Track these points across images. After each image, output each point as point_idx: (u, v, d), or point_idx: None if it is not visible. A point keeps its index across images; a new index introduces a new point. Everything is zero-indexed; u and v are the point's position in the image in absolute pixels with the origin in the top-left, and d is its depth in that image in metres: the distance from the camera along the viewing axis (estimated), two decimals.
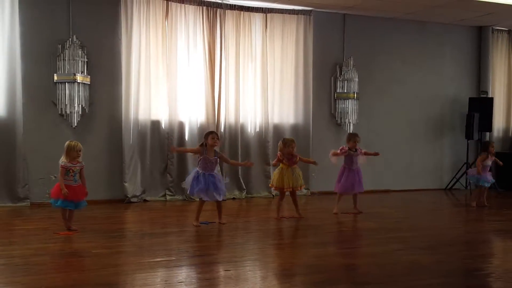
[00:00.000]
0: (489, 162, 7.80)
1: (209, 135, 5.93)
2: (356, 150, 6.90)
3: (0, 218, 6.29)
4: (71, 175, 5.34)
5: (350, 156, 6.88)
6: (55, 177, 6.59)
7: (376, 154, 7.11)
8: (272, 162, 6.86)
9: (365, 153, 7.00)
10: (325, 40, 9.09)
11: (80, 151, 5.39)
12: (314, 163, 6.93)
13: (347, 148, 6.88)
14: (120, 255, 4.58)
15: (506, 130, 10.65)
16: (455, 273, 4.18)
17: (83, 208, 5.49)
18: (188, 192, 6.15)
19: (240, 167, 8.29)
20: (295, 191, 6.51)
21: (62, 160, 5.35)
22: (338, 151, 6.89)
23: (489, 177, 7.81)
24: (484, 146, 8.11)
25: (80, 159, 5.42)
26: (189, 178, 5.92)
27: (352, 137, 6.97)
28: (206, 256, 4.57)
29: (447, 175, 10.16)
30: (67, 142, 5.43)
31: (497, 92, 10.46)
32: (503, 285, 3.78)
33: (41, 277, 3.78)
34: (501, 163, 7.87)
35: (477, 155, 10.11)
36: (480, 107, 9.83)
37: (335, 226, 6.18)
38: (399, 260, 4.44)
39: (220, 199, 5.92)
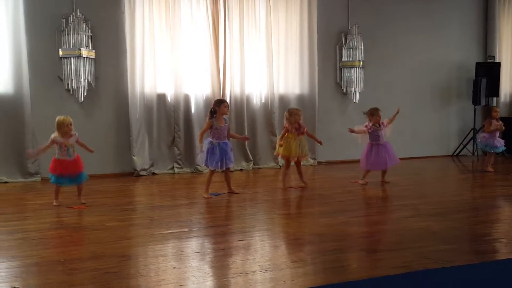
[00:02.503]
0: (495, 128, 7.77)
1: (222, 103, 5.98)
2: (379, 125, 6.78)
3: (12, 193, 6.41)
4: (64, 150, 5.38)
5: (375, 132, 6.76)
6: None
7: (397, 112, 6.81)
8: (279, 136, 6.72)
9: (390, 122, 6.83)
10: (329, 7, 8.98)
11: (70, 124, 5.41)
12: (320, 143, 6.82)
13: (370, 125, 6.73)
14: (133, 228, 4.66)
15: None
16: (464, 239, 4.23)
17: (82, 182, 5.52)
18: (203, 165, 6.17)
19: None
20: (300, 160, 6.60)
21: (55, 135, 5.39)
22: (364, 128, 6.74)
23: (497, 143, 7.80)
24: (487, 113, 8.11)
25: (73, 132, 5.44)
26: (204, 151, 5.95)
27: (376, 112, 6.77)
28: (217, 227, 4.64)
29: (454, 141, 10.17)
30: (57, 118, 5.46)
31: (504, 56, 10.37)
32: (511, 250, 3.83)
33: (59, 250, 3.87)
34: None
35: (484, 120, 10.12)
36: (487, 72, 9.76)
37: (343, 195, 6.23)
38: (409, 227, 4.49)
39: (231, 166, 6.04)
